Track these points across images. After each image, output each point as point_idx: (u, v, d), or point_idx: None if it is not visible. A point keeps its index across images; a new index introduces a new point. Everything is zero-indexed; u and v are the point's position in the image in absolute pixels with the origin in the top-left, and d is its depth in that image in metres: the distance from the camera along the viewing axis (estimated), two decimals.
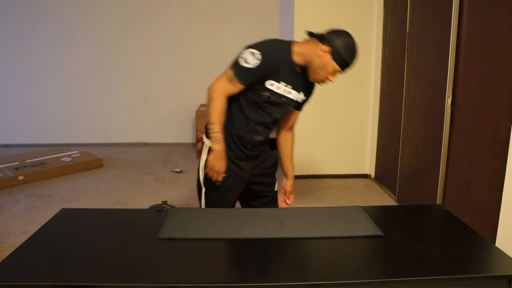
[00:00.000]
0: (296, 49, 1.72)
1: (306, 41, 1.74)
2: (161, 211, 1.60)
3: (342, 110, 4.18)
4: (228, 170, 1.80)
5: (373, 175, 4.29)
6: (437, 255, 1.27)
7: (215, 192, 1.86)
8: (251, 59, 1.62)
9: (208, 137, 1.82)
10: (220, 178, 1.76)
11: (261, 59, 1.62)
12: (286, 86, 1.73)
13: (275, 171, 2.07)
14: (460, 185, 2.60)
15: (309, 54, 1.69)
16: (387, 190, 3.90)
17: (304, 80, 1.79)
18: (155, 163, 4.83)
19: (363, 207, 1.65)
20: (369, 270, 1.21)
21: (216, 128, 1.69)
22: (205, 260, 1.27)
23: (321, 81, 1.73)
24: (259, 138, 1.85)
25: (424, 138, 3.06)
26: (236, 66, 1.65)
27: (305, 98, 1.90)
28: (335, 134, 4.23)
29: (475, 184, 2.42)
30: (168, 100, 5.53)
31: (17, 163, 4.28)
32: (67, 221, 1.55)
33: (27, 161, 4.35)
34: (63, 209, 1.64)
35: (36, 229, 1.46)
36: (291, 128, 2.06)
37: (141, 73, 5.50)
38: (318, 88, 4.51)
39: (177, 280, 1.14)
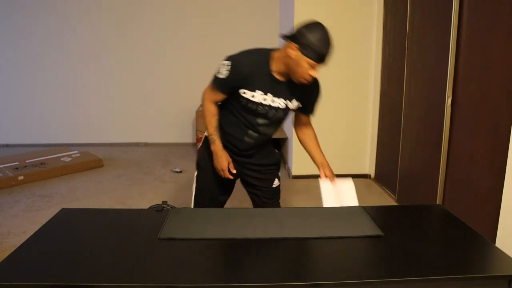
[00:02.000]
0: (275, 55, 1.75)
1: (283, 45, 1.72)
2: (161, 211, 1.60)
3: (342, 110, 4.18)
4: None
5: (373, 175, 4.29)
6: (437, 255, 1.27)
7: (204, 173, 2.01)
8: (223, 70, 1.75)
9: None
10: (227, 174, 1.87)
11: (230, 70, 1.73)
12: (264, 94, 1.77)
13: (274, 170, 2.08)
14: (460, 185, 2.60)
15: (283, 57, 1.70)
16: (387, 190, 3.89)
17: (294, 86, 1.79)
18: (155, 163, 4.83)
19: (363, 207, 1.65)
20: (369, 270, 1.21)
21: (210, 130, 1.87)
22: (205, 260, 1.27)
23: (304, 79, 1.69)
24: (249, 141, 1.90)
25: (424, 138, 3.06)
26: (214, 77, 1.81)
27: (301, 103, 1.90)
28: (335, 134, 4.23)
29: (475, 184, 2.42)
30: (168, 100, 5.54)
31: (17, 163, 4.28)
32: (67, 221, 1.55)
33: (27, 161, 4.35)
34: (63, 209, 1.64)
35: (36, 229, 1.46)
36: (306, 125, 2.11)
37: (141, 73, 5.50)
38: None
39: (177, 280, 1.14)
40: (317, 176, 2.02)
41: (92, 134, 5.71)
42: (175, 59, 5.44)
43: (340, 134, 4.23)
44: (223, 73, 1.74)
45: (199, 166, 2.04)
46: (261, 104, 1.79)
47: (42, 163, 4.33)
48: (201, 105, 1.92)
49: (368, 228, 1.45)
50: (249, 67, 1.73)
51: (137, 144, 5.76)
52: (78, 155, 4.69)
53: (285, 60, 1.70)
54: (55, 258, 1.25)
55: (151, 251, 1.30)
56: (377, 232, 1.41)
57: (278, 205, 2.12)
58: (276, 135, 4.81)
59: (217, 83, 1.80)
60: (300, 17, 3.96)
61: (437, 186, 2.82)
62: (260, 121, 1.85)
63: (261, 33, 5.40)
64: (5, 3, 5.28)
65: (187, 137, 5.74)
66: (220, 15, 5.38)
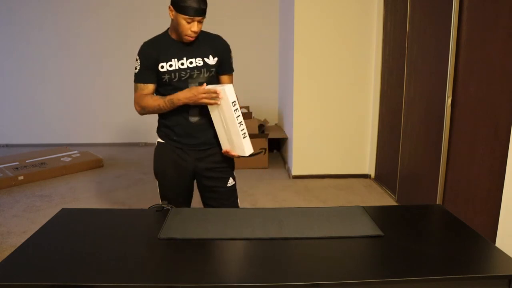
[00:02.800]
0: (170, 27, 1.90)
1: None
2: (161, 211, 1.60)
3: (342, 110, 4.18)
4: (169, 161, 1.97)
5: (373, 175, 4.29)
6: (437, 255, 1.27)
7: (162, 184, 2.02)
8: (136, 64, 1.91)
9: (159, 135, 2.04)
10: (214, 95, 1.78)
11: (139, 58, 1.90)
12: (179, 60, 1.86)
13: (227, 167, 2.04)
14: (460, 185, 2.60)
15: (171, 24, 1.85)
16: (387, 190, 3.89)
17: (202, 44, 1.89)
18: None
19: (363, 207, 1.65)
20: (369, 270, 1.21)
21: (161, 101, 1.86)
22: (205, 260, 1.27)
23: (187, 36, 1.79)
24: (195, 119, 1.92)
25: (424, 138, 3.06)
26: (134, 77, 1.93)
27: (217, 59, 1.93)
28: (335, 134, 4.23)
29: (475, 184, 2.42)
30: None
31: (17, 163, 4.28)
32: (67, 221, 1.55)
33: (27, 161, 4.35)
34: (63, 209, 1.64)
35: (36, 229, 1.46)
36: None
37: None
38: (318, 88, 4.51)
39: (177, 280, 1.14)
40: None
41: (92, 134, 5.71)
42: None
43: (340, 134, 4.23)
44: (137, 65, 1.90)
45: (157, 176, 2.05)
46: (180, 69, 1.85)
47: (42, 163, 4.33)
48: (146, 111, 1.93)
49: (368, 228, 1.45)
50: (153, 44, 1.89)
51: (137, 144, 5.76)
52: (78, 155, 4.69)
53: (172, 25, 1.85)
54: (55, 258, 1.25)
55: (151, 251, 1.30)
56: (377, 232, 1.41)
57: (236, 206, 2.11)
58: (276, 135, 4.84)
59: (140, 76, 1.90)
60: (300, 18, 3.97)
61: (437, 186, 2.82)
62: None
63: (261, 33, 5.40)
64: (5, 4, 5.28)
65: None
66: (220, 15, 5.38)
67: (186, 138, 1.95)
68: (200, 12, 1.75)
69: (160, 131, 2.04)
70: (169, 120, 1.95)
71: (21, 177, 4.03)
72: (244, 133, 1.80)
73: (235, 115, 1.76)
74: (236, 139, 1.81)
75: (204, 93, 1.77)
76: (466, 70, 2.52)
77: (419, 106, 3.14)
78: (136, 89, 1.94)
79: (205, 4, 1.77)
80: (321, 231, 1.42)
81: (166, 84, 1.89)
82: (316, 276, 1.15)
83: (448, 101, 2.67)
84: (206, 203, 2.08)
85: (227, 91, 1.75)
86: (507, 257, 1.25)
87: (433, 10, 2.89)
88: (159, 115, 2.00)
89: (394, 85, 3.67)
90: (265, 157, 4.65)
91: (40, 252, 1.29)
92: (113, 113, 5.66)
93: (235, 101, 1.77)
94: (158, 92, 1.95)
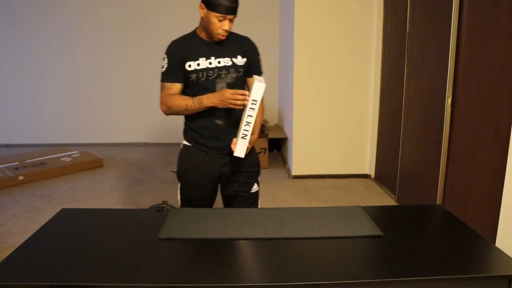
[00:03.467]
0: (199, 26, 1.87)
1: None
2: (161, 211, 1.60)
3: (342, 110, 4.18)
4: (194, 164, 1.94)
5: (373, 175, 4.29)
6: (437, 255, 1.27)
7: (185, 187, 1.99)
8: (163, 63, 1.88)
9: (185, 138, 2.00)
10: (241, 97, 1.70)
11: (167, 57, 1.86)
12: (207, 59, 1.83)
13: (253, 172, 2.02)
14: (460, 185, 2.60)
15: (201, 22, 1.83)
16: (387, 190, 3.89)
17: (231, 44, 1.87)
18: (155, 163, 4.83)
19: (363, 207, 1.65)
20: (369, 270, 1.21)
21: (189, 102, 1.81)
22: (205, 260, 1.27)
23: (218, 34, 1.78)
24: (221, 122, 1.90)
25: (424, 138, 3.06)
26: (161, 75, 1.89)
27: (246, 60, 1.90)
28: (335, 134, 4.23)
29: (475, 184, 2.42)
30: None
31: (17, 163, 4.28)
32: (67, 221, 1.55)
33: (27, 161, 4.35)
34: (63, 209, 1.64)
35: (36, 229, 1.46)
36: None
37: (141, 73, 5.50)
38: (318, 88, 4.51)
39: (177, 280, 1.14)
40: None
41: (92, 134, 5.71)
42: None
43: (340, 134, 4.23)
44: (164, 64, 1.87)
45: (180, 178, 2.01)
46: (208, 68, 1.83)
47: (42, 163, 4.33)
48: (172, 112, 1.87)
49: (368, 228, 1.45)
50: (181, 43, 1.87)
51: (137, 144, 5.76)
52: (78, 155, 4.69)
53: (202, 23, 1.82)
54: (55, 258, 1.25)
55: (151, 251, 1.30)
56: (377, 232, 1.42)
57: None
58: (276, 135, 4.84)
59: (165, 76, 1.87)
60: (300, 18, 3.97)
61: (437, 186, 2.82)
62: (218, 88, 1.85)
63: (261, 33, 5.40)
64: (5, 3, 5.28)
65: None
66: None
67: (212, 141, 1.92)
68: (232, 10, 1.73)
69: (186, 134, 2.01)
70: (195, 123, 1.92)
71: (21, 177, 4.03)
72: (245, 134, 1.75)
73: (247, 113, 1.70)
74: (238, 136, 1.78)
75: (232, 97, 1.70)
76: (466, 70, 2.52)
77: (419, 106, 3.14)
78: (162, 88, 1.90)
79: (237, 2, 1.75)
80: (321, 231, 1.42)
81: (193, 84, 1.86)
82: (316, 276, 1.15)
83: (448, 101, 2.67)
84: (226, 206, 2.06)
85: (256, 87, 1.68)
86: (507, 257, 1.25)
87: (433, 10, 2.89)
88: (186, 118, 1.97)
89: (394, 85, 3.67)
90: (265, 157, 4.65)
91: (40, 252, 1.29)
92: (113, 113, 5.65)
93: (255, 100, 1.69)
94: (184, 92, 1.91)
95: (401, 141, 3.50)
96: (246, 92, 1.71)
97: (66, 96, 5.59)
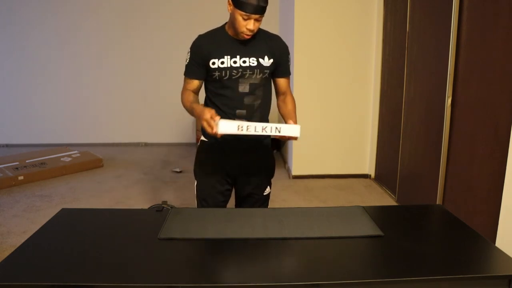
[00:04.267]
0: (228, 22, 1.80)
1: None
2: (161, 211, 1.60)
3: (342, 110, 4.18)
4: (212, 163, 1.91)
5: (373, 175, 4.29)
6: (437, 255, 1.27)
7: (201, 185, 1.95)
8: (188, 56, 1.83)
9: (204, 136, 1.94)
10: (215, 129, 1.57)
11: (192, 50, 1.81)
12: (232, 57, 1.77)
13: (269, 174, 2.01)
14: (460, 185, 2.60)
15: (229, 18, 1.76)
16: (387, 190, 3.89)
17: (260, 44, 1.81)
18: (155, 163, 4.83)
19: (363, 207, 1.65)
20: (369, 270, 1.21)
21: (188, 105, 1.79)
22: (205, 260, 1.27)
23: (243, 33, 1.71)
24: (241, 120, 1.81)
25: (424, 138, 3.06)
26: (185, 68, 1.85)
27: (273, 61, 1.83)
28: (335, 134, 4.23)
29: (475, 184, 2.42)
30: (168, 100, 5.54)
31: (17, 163, 4.28)
32: (67, 221, 1.55)
33: (27, 161, 4.35)
34: (63, 209, 1.64)
35: (36, 229, 1.46)
36: (286, 94, 1.94)
37: (141, 73, 5.50)
38: (318, 88, 4.50)
39: (177, 280, 1.14)
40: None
41: (92, 134, 5.71)
42: (176, 59, 5.44)
43: (340, 134, 4.23)
44: (187, 58, 1.82)
45: (197, 175, 1.98)
46: (232, 67, 1.77)
47: (42, 163, 4.33)
48: (182, 104, 1.85)
49: (368, 228, 1.45)
50: (207, 38, 1.81)
51: (137, 144, 5.76)
52: (78, 155, 4.69)
53: (229, 20, 1.76)
54: (55, 258, 1.25)
55: (151, 251, 1.30)
56: (377, 232, 1.41)
57: None
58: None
59: (187, 69, 1.83)
60: (300, 17, 3.96)
61: (437, 186, 2.82)
62: (241, 88, 1.80)
63: None
64: (5, 3, 5.28)
65: (187, 137, 5.75)
66: (221, 16, 5.38)
67: (231, 139, 1.81)
68: (259, 10, 1.65)
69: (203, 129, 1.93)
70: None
71: (21, 177, 4.03)
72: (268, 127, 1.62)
73: (262, 126, 1.59)
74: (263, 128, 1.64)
75: (205, 123, 1.60)
76: (466, 70, 2.52)
77: (419, 106, 3.14)
78: (184, 81, 1.87)
79: (266, 2, 1.67)
80: (321, 231, 1.42)
81: (216, 81, 1.81)
82: (316, 276, 1.15)
83: (448, 101, 2.67)
84: (238, 206, 2.05)
85: (288, 129, 1.62)
86: (507, 257, 1.25)
87: (433, 10, 2.89)
88: None
89: (394, 85, 3.67)
90: None
91: (40, 252, 1.29)
92: (113, 113, 5.65)
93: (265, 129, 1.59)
94: (207, 88, 1.88)
95: (401, 141, 3.50)
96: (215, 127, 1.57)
97: (66, 96, 5.59)
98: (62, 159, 4.52)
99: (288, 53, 1.90)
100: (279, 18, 5.33)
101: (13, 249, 1.35)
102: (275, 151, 5.41)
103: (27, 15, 5.32)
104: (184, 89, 1.86)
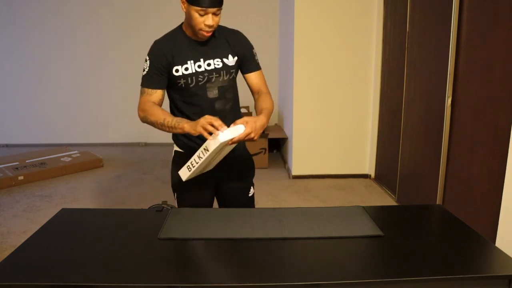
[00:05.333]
0: (184, 22, 1.70)
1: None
2: (161, 211, 1.60)
3: (342, 110, 4.18)
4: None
5: (373, 175, 4.29)
6: (437, 255, 1.27)
7: (181, 198, 1.84)
8: (145, 65, 1.69)
9: (177, 144, 1.85)
10: (216, 124, 1.47)
11: (150, 58, 1.67)
12: (196, 62, 1.66)
13: (248, 175, 1.92)
14: (460, 185, 2.60)
15: (185, 18, 1.65)
16: (387, 190, 3.89)
17: (220, 42, 1.69)
18: (155, 163, 4.83)
19: (363, 207, 1.65)
20: (369, 270, 1.21)
21: (168, 119, 1.62)
22: (205, 260, 1.27)
23: (202, 31, 1.59)
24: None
25: (424, 138, 3.06)
26: (141, 79, 1.72)
27: (237, 58, 1.72)
28: (335, 134, 4.23)
29: (475, 184, 2.42)
30: (168, 100, 5.54)
31: (17, 163, 4.28)
32: (67, 221, 1.55)
33: (27, 161, 4.35)
34: (63, 209, 1.64)
35: (36, 229, 1.46)
36: (260, 92, 1.79)
37: (141, 73, 5.49)
38: (318, 88, 4.50)
39: (177, 280, 1.14)
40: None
41: (92, 134, 5.71)
42: None
43: (340, 134, 4.23)
44: (146, 66, 1.69)
45: (176, 189, 1.85)
46: (197, 72, 1.66)
47: (42, 163, 4.33)
48: (143, 118, 1.69)
49: (368, 228, 1.45)
50: (166, 42, 1.68)
51: (137, 144, 5.76)
52: (78, 155, 4.69)
53: (186, 19, 1.64)
54: (55, 258, 1.25)
55: (151, 251, 1.30)
56: (377, 232, 1.41)
57: None
58: (276, 135, 4.83)
59: (148, 79, 1.68)
60: (300, 17, 3.96)
61: (437, 186, 2.82)
62: (210, 94, 1.70)
63: (261, 33, 5.40)
64: (5, 3, 5.28)
65: None
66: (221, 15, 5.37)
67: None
68: (216, 2, 1.52)
69: (178, 140, 1.84)
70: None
71: (21, 177, 4.03)
72: (193, 165, 1.54)
73: (200, 151, 1.50)
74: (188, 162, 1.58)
75: (205, 124, 1.47)
76: (466, 70, 2.52)
77: (419, 106, 3.14)
78: (142, 93, 1.72)
79: None
80: (321, 231, 1.42)
81: (181, 90, 1.70)
82: (316, 276, 1.15)
83: (448, 101, 2.67)
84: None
85: (217, 137, 1.46)
86: (507, 257, 1.25)
87: (433, 10, 2.89)
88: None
89: (394, 85, 3.67)
90: (265, 157, 4.65)
91: (40, 252, 1.29)
92: (113, 113, 5.65)
93: (207, 150, 1.48)
94: (172, 98, 1.76)
95: (401, 141, 3.50)
96: (223, 126, 1.48)
97: (66, 96, 5.59)
98: (62, 159, 4.52)
99: (252, 47, 1.77)
100: (279, 18, 5.33)
101: (13, 249, 1.35)
102: (275, 151, 5.42)
103: (27, 15, 5.32)
104: (145, 101, 1.68)
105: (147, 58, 1.69)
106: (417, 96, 3.17)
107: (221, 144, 1.46)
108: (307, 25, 3.99)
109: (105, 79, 5.55)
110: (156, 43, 1.71)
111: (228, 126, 1.53)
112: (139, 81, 1.79)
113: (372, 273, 1.19)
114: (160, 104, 1.72)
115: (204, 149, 1.49)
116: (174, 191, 1.88)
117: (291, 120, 4.32)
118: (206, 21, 1.55)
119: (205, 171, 1.71)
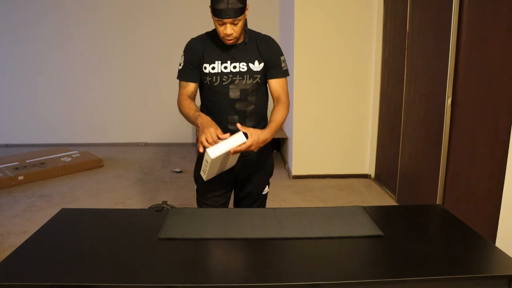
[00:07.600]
0: None
1: None
2: (161, 211, 1.60)
3: (342, 110, 4.18)
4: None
5: (373, 175, 4.29)
6: (437, 255, 1.27)
7: (203, 189, 1.94)
8: (181, 60, 1.83)
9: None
10: (214, 137, 1.57)
11: (184, 54, 1.81)
12: (223, 63, 1.77)
13: (269, 175, 2.01)
14: (460, 185, 2.60)
15: None
16: (387, 190, 3.90)
17: (251, 48, 1.78)
18: (155, 163, 4.83)
19: (363, 207, 1.65)
20: (369, 270, 1.21)
21: (191, 113, 1.74)
22: (205, 260, 1.27)
23: (224, 39, 1.70)
24: (233, 128, 1.80)
25: (424, 138, 3.06)
26: (178, 73, 1.85)
27: (263, 64, 1.79)
28: (335, 134, 4.23)
29: (475, 184, 2.42)
30: (168, 100, 5.54)
31: (17, 163, 4.28)
32: (67, 221, 1.55)
33: (27, 161, 4.35)
34: (63, 209, 1.64)
35: (36, 229, 1.46)
36: (279, 100, 1.84)
37: (141, 73, 5.50)
38: (318, 88, 4.50)
39: (177, 280, 1.14)
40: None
41: (92, 134, 5.71)
42: (175, 59, 5.44)
43: (340, 134, 4.23)
44: (181, 61, 1.82)
45: (197, 180, 1.97)
46: (223, 73, 1.76)
47: (42, 163, 4.33)
48: (179, 111, 1.81)
49: (368, 228, 1.45)
50: (199, 42, 1.81)
51: (137, 144, 5.76)
52: (78, 155, 4.69)
53: None
54: (55, 258, 1.25)
55: (151, 251, 1.30)
56: (377, 232, 1.42)
57: None
58: (276, 135, 4.83)
59: (181, 74, 1.82)
60: (300, 18, 3.96)
61: (437, 186, 2.82)
62: (232, 95, 1.78)
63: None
64: (5, 3, 5.28)
65: (187, 137, 5.74)
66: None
67: None
68: (230, 13, 1.59)
69: None
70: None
71: (21, 177, 4.03)
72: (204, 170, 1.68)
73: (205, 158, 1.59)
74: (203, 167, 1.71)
75: (203, 138, 1.57)
76: (466, 70, 2.52)
77: (419, 106, 3.14)
78: (179, 87, 1.85)
79: (237, 4, 1.58)
80: (321, 231, 1.42)
81: (208, 87, 1.81)
82: (316, 276, 1.15)
83: (448, 101, 2.67)
84: (236, 205, 2.05)
85: (209, 153, 1.54)
86: (507, 257, 1.25)
87: (433, 10, 2.89)
88: None
89: (394, 85, 3.67)
90: None
91: (40, 252, 1.29)
92: (113, 113, 5.65)
93: (207, 161, 1.58)
94: (201, 93, 1.87)
95: (401, 141, 3.50)
96: (217, 141, 1.56)
97: (66, 96, 5.59)
98: (62, 159, 4.52)
99: (280, 54, 1.83)
100: (279, 18, 5.33)
101: (13, 249, 1.35)
102: (275, 151, 5.41)
103: (27, 15, 5.32)
104: (181, 94, 1.83)
105: (183, 53, 1.82)
106: (417, 96, 3.17)
107: (214, 159, 1.54)
108: (307, 25, 3.99)
109: (105, 79, 5.55)
110: (191, 40, 1.84)
111: (253, 126, 1.75)
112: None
113: (372, 273, 1.19)
114: (192, 96, 1.84)
115: (206, 160, 1.60)
116: (195, 183, 1.99)
117: (291, 120, 4.32)
118: (225, 30, 1.65)
119: (225, 169, 1.81)
